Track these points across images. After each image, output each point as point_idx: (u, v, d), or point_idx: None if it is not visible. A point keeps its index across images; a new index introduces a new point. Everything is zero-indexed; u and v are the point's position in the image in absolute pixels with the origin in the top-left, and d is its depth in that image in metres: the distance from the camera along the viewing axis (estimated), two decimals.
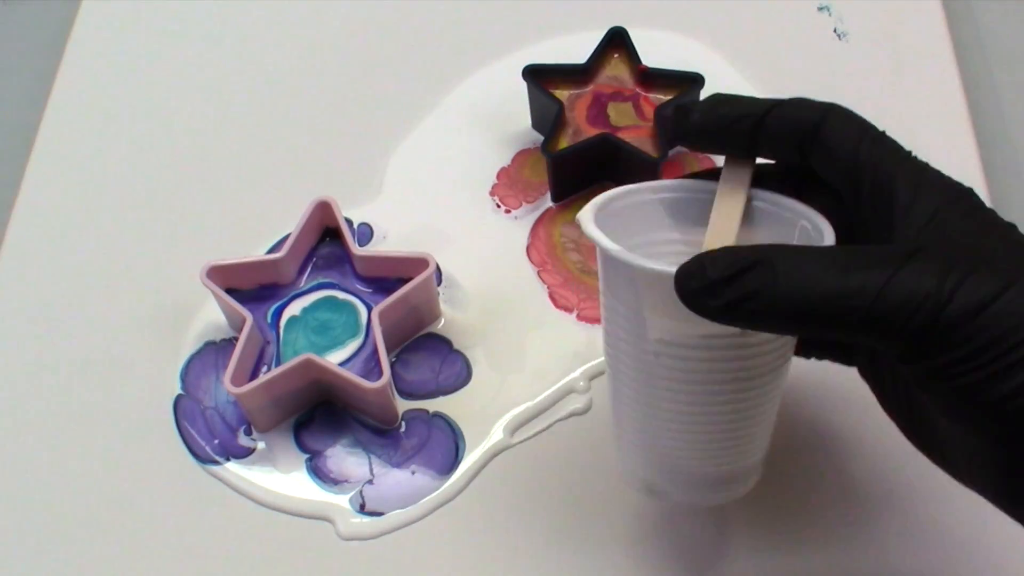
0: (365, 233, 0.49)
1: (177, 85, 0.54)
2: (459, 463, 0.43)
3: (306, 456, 0.43)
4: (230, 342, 0.46)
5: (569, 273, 0.47)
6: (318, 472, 0.43)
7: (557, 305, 0.47)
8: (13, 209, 0.50)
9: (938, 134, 0.50)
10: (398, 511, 0.42)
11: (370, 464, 0.43)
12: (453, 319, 0.46)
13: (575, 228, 0.48)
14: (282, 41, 0.56)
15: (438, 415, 0.44)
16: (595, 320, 0.46)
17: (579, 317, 0.46)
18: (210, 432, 0.44)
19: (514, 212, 0.49)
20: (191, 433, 0.44)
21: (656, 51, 0.50)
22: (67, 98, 0.54)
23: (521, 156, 0.51)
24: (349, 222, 0.48)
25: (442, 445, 0.43)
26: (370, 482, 0.43)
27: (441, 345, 0.46)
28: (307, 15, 0.56)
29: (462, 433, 0.44)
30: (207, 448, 0.43)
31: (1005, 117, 0.53)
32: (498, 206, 0.49)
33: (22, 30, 0.57)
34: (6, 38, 0.58)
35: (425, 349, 0.46)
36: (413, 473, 0.43)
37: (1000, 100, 0.54)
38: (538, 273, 0.48)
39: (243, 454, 0.43)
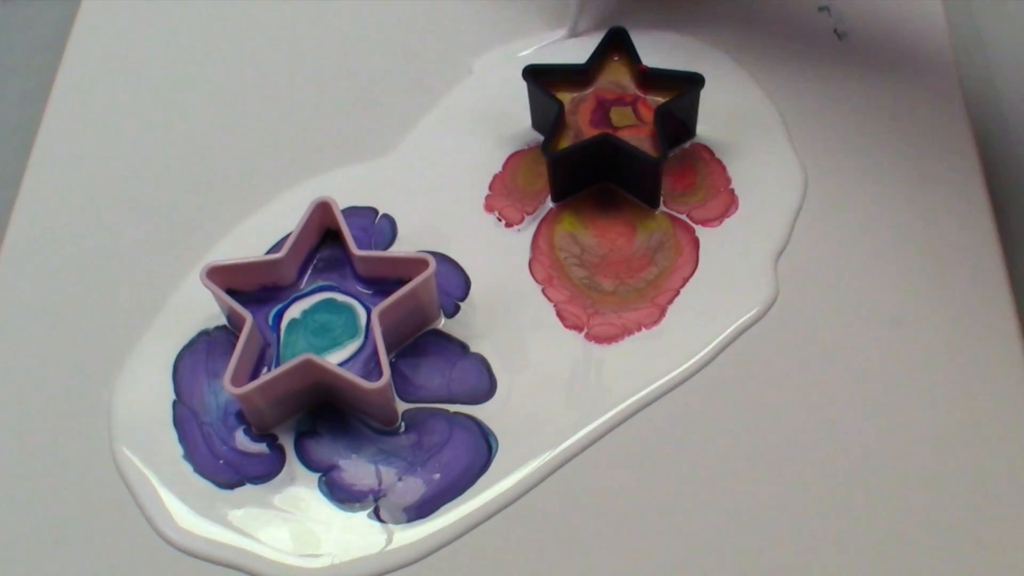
0: (385, 227, 0.49)
1: (177, 85, 0.54)
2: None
3: (318, 474, 0.43)
4: (223, 329, 0.46)
5: (576, 287, 0.47)
6: (332, 488, 0.43)
7: (567, 325, 0.46)
8: (13, 209, 0.50)
9: (938, 134, 0.50)
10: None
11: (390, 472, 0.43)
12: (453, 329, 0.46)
13: (574, 242, 0.48)
14: (280, 41, 0.56)
15: (459, 414, 0.44)
16: (605, 340, 0.46)
17: (588, 336, 0.46)
18: (212, 454, 0.43)
19: (516, 226, 0.49)
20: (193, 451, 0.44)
21: (656, 50, 0.50)
22: (67, 98, 0.54)
23: (514, 160, 0.51)
24: (373, 211, 0.49)
25: (467, 444, 0.43)
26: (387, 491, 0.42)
27: (449, 344, 0.46)
28: (304, 16, 0.56)
29: (493, 433, 0.43)
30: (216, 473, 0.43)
31: (1005, 117, 0.54)
32: (499, 219, 0.49)
33: (22, 30, 0.57)
34: (6, 38, 0.58)
35: (430, 352, 0.46)
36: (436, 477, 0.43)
37: (1000, 100, 0.54)
38: (543, 290, 0.47)
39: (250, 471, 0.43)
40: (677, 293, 0.46)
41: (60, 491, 0.43)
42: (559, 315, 0.46)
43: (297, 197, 0.49)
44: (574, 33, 0.54)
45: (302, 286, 0.46)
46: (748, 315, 0.45)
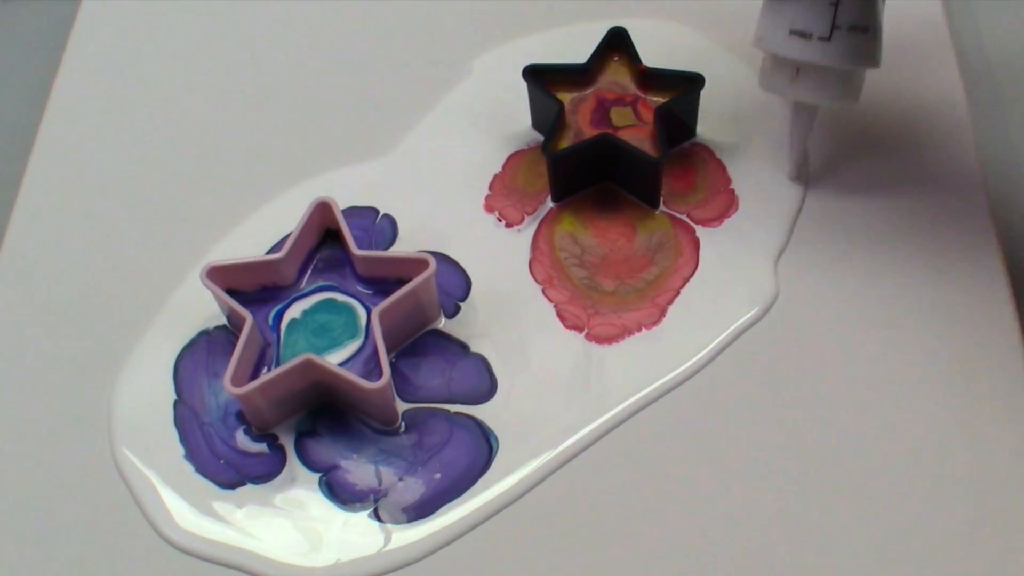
0: (386, 227, 0.49)
1: (177, 85, 0.54)
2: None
3: (319, 474, 0.43)
4: (223, 329, 0.46)
5: (576, 288, 0.47)
6: (333, 488, 0.42)
7: (567, 325, 0.46)
8: (13, 209, 0.50)
9: (938, 134, 0.50)
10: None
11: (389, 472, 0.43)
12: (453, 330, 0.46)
13: (575, 242, 0.48)
14: (280, 41, 0.56)
15: (459, 414, 0.44)
16: (605, 340, 0.46)
17: (588, 336, 0.46)
18: (213, 454, 0.43)
19: (516, 227, 0.49)
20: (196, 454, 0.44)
21: (656, 46, 0.50)
22: (67, 98, 0.54)
23: (514, 160, 0.51)
24: (374, 211, 0.49)
25: (467, 444, 0.43)
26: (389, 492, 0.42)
27: (449, 344, 0.46)
28: (304, 16, 0.56)
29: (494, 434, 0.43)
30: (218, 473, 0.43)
31: (1005, 117, 0.54)
32: (499, 220, 0.49)
33: (22, 30, 0.57)
34: (6, 38, 0.58)
35: (430, 352, 0.46)
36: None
37: (1000, 100, 0.54)
38: (543, 291, 0.47)
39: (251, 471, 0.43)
40: (677, 293, 0.46)
41: (60, 491, 0.43)
42: (559, 315, 0.46)
43: (297, 197, 0.49)
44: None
45: (302, 286, 0.46)
46: (748, 315, 0.45)
